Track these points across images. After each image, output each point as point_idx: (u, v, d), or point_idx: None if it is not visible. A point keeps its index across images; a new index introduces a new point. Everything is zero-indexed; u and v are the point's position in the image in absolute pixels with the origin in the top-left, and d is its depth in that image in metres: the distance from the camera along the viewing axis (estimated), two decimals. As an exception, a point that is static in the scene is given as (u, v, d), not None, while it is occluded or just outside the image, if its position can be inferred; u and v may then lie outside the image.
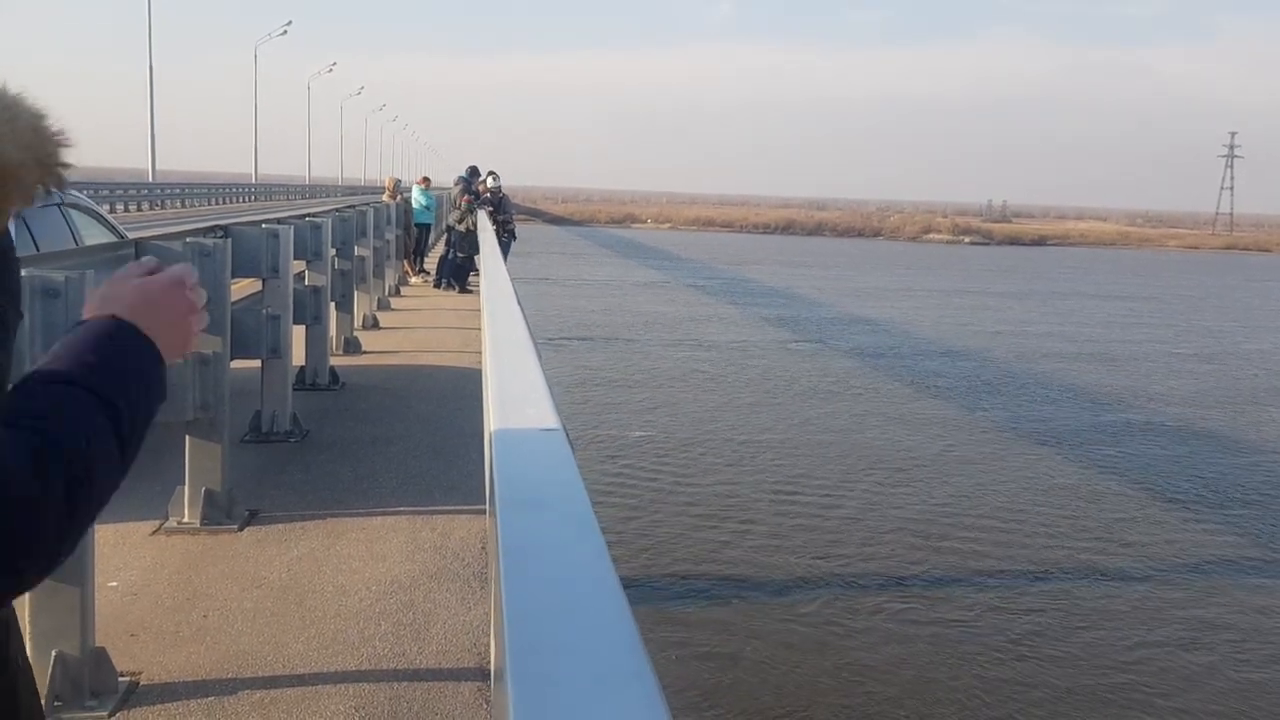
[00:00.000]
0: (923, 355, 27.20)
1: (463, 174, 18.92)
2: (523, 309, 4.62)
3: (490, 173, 19.83)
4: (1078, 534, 12.87)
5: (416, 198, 19.46)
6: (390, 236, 15.57)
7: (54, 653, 3.16)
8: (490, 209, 18.63)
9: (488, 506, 2.46)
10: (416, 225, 19.21)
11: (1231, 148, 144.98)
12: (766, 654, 9.07)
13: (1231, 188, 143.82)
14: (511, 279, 5.93)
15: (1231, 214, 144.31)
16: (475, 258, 16.96)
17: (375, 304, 13.26)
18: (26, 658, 1.27)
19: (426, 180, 20.73)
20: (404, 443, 6.83)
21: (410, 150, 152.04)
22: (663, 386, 21.14)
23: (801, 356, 26.12)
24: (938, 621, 10.00)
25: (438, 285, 18.00)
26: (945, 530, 12.69)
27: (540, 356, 3.21)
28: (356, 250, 11.36)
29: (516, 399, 2.30)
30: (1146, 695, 8.82)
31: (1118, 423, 19.85)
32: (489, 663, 3.59)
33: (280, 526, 5.06)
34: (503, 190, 19.86)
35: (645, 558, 11.20)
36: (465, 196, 17.93)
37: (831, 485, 14.48)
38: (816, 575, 11.03)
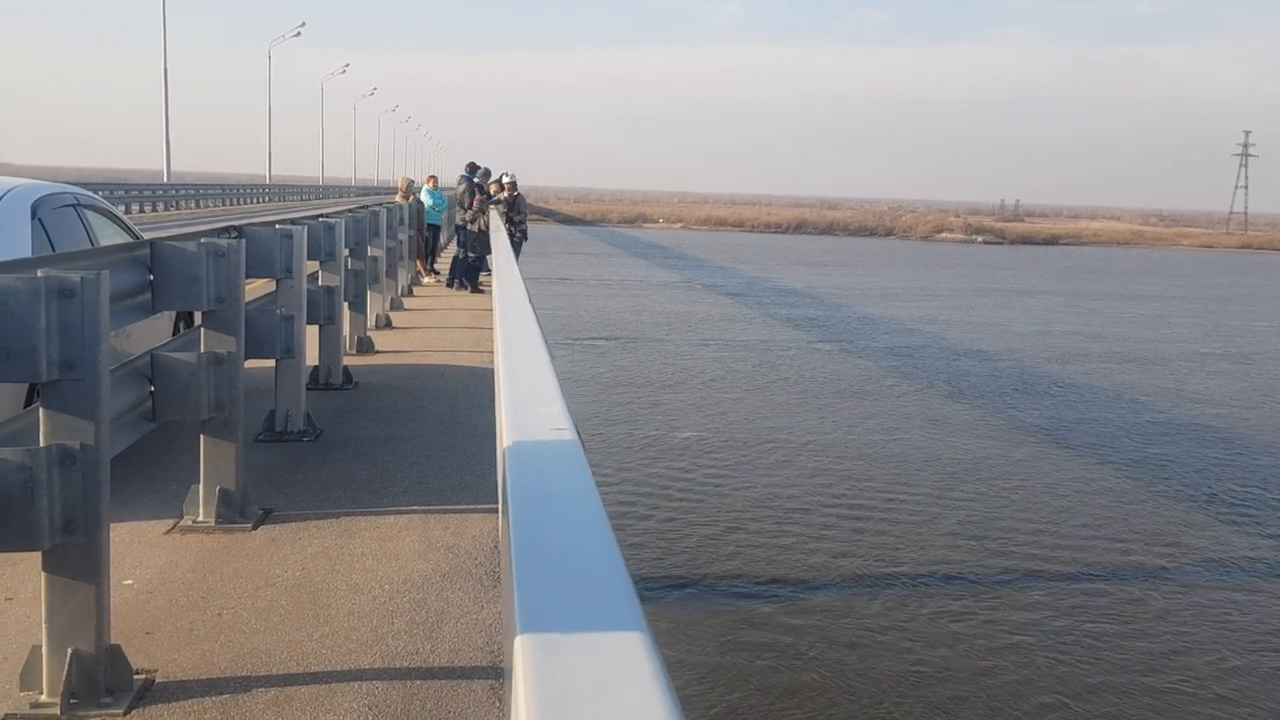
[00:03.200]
0: (954, 356, 27.17)
1: (464, 172, 18.71)
2: (535, 310, 4.63)
3: (503, 173, 19.82)
4: (1130, 536, 12.87)
5: (424, 198, 19.47)
6: (403, 237, 15.61)
7: (70, 650, 3.18)
8: (505, 209, 18.64)
9: (500, 505, 2.47)
10: (428, 225, 19.23)
11: (1245, 146, 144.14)
12: (833, 654, 9.16)
13: (1246, 186, 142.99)
14: (526, 279, 5.95)
15: (1246, 213, 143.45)
16: (487, 258, 16.98)
17: (388, 304, 13.29)
18: None
19: (434, 179, 20.76)
20: (417, 442, 6.85)
21: (423, 150, 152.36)
22: (701, 387, 21.23)
23: (832, 357, 26.12)
24: (996, 623, 10.05)
25: (450, 285, 18.03)
26: (998, 531, 12.72)
27: (552, 357, 3.23)
28: (370, 250, 11.39)
29: (529, 399, 2.31)
30: (1206, 698, 8.80)
31: (1159, 423, 19.78)
32: (502, 661, 3.60)
33: (294, 525, 5.09)
34: (519, 191, 19.85)
35: (705, 557, 11.28)
36: (478, 197, 17.91)
37: (884, 486, 14.56)
38: (877, 575, 11.14)
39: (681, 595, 10.21)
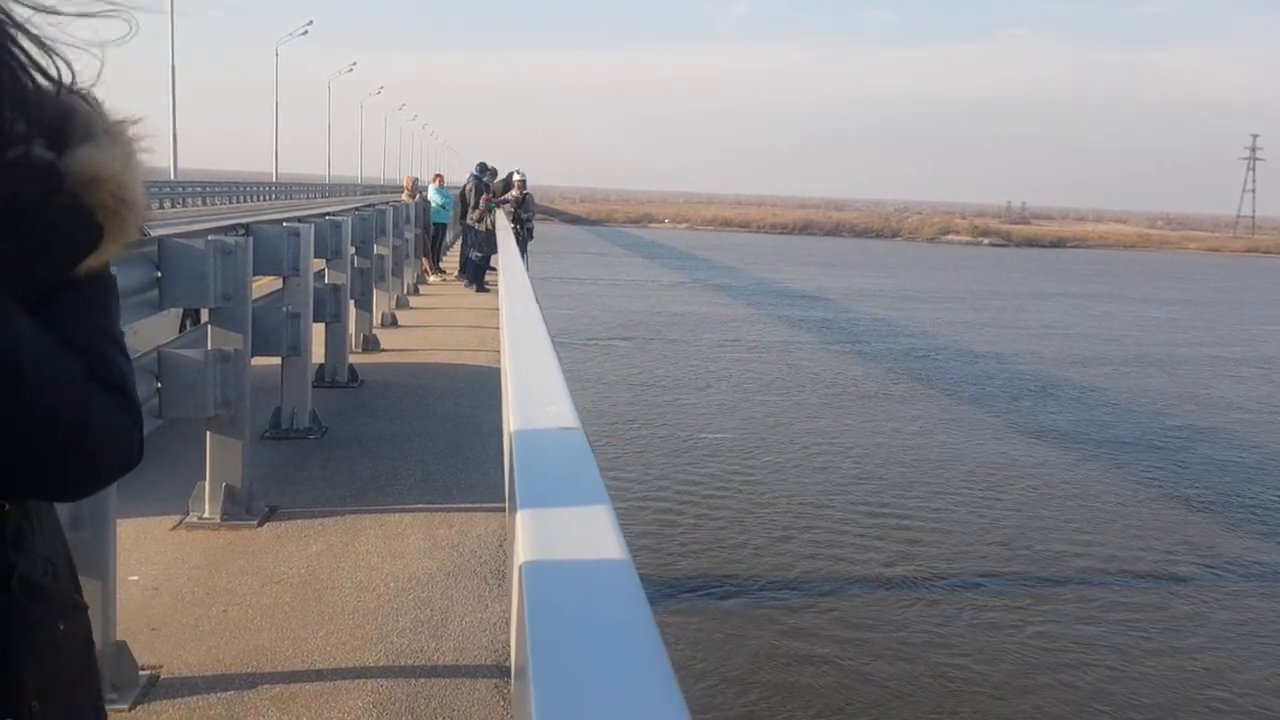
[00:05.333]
0: (975, 358, 27.13)
1: (473, 171, 18.74)
2: (541, 309, 4.63)
3: (511, 172, 19.82)
4: (1162, 541, 12.81)
5: (432, 196, 19.48)
6: (409, 235, 15.61)
7: (76, 646, 3.19)
8: (513, 207, 18.63)
9: (507, 504, 2.47)
10: (434, 224, 19.24)
11: (1253, 150, 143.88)
12: (859, 659, 9.12)
13: (1253, 190, 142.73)
14: (537, 279, 5.96)
15: (1253, 216, 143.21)
16: (494, 257, 16.97)
17: (394, 302, 13.30)
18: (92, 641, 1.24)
19: (440, 178, 20.78)
20: (422, 440, 6.86)
21: (428, 149, 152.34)
22: (727, 389, 21.23)
23: (851, 359, 26.10)
24: (1027, 629, 10.00)
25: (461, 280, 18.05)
26: (1041, 539, 12.68)
27: (558, 356, 3.22)
28: (376, 249, 11.40)
29: (536, 398, 2.31)
30: (1236, 708, 8.77)
31: (1188, 427, 19.67)
32: (506, 660, 3.60)
33: (299, 522, 5.09)
34: (528, 189, 19.86)
35: (735, 558, 11.29)
36: (485, 195, 17.92)
37: (912, 489, 14.52)
38: (908, 579, 11.09)
39: (725, 602, 10.17)
